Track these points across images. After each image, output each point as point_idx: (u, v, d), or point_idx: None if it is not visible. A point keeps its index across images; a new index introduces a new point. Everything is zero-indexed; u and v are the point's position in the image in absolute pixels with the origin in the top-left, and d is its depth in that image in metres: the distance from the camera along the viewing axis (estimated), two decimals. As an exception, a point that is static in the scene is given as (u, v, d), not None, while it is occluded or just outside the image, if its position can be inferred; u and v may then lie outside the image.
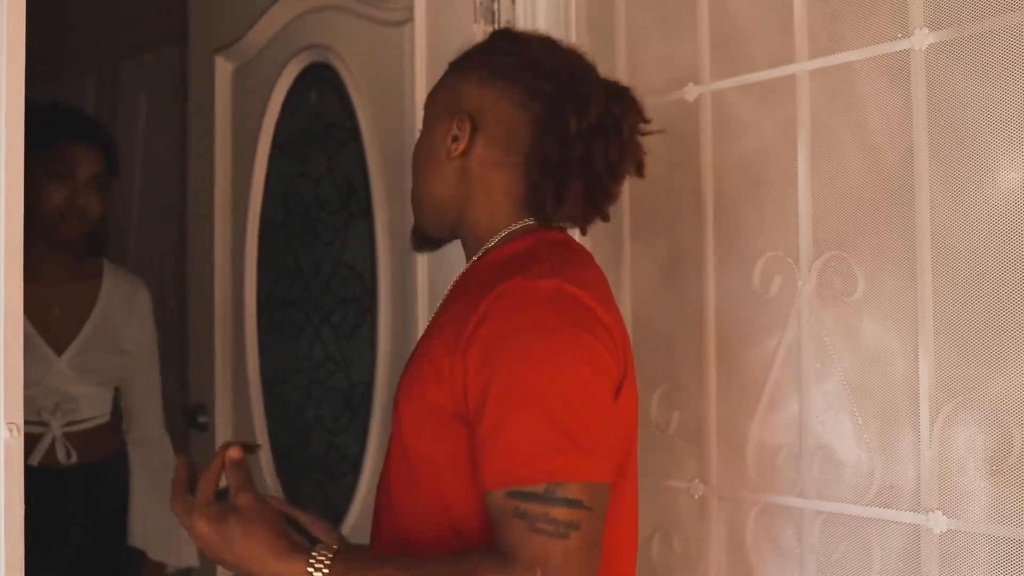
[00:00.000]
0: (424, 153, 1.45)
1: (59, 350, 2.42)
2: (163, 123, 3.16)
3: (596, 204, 1.39)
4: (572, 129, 1.32)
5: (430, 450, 1.31)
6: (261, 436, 2.64)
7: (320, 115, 2.51)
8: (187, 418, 2.80)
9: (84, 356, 2.45)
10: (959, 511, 1.49)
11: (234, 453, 1.34)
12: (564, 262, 1.31)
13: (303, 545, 1.27)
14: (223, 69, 2.69)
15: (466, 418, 1.25)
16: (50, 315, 2.41)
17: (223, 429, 2.73)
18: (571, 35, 2.03)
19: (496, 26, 2.13)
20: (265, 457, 2.61)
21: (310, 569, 1.22)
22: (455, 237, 1.47)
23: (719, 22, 1.80)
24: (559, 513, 1.16)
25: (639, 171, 1.40)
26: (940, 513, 1.50)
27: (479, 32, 2.14)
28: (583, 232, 1.45)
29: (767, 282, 1.73)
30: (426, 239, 1.50)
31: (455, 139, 1.38)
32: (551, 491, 1.16)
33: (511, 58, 1.39)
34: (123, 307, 2.55)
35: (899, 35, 1.54)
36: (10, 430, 1.33)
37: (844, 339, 1.63)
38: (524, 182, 1.37)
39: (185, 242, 2.87)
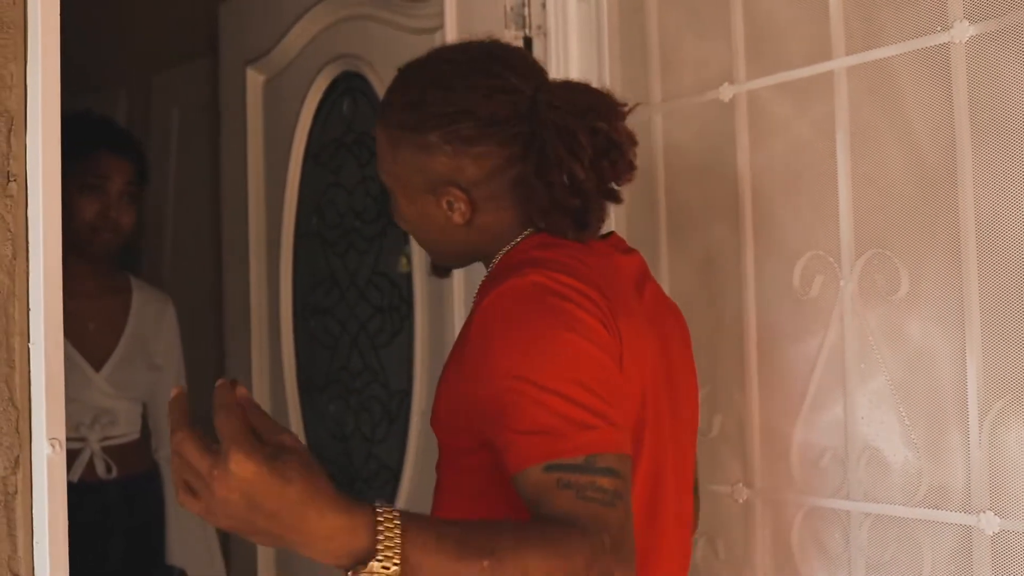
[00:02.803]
0: (419, 221, 1.41)
1: (96, 365, 2.41)
2: (196, 135, 3.17)
3: (612, 198, 1.38)
4: (580, 175, 1.29)
5: (455, 478, 1.32)
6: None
7: (352, 125, 2.51)
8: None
9: (120, 371, 2.45)
10: (1011, 511, 1.46)
11: (244, 391, 1.02)
12: (559, 259, 1.29)
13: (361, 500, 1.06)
14: (254, 81, 2.70)
15: (484, 432, 1.23)
16: (85, 330, 2.40)
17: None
18: (603, 37, 2.02)
19: (527, 32, 2.12)
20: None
21: (379, 527, 0.97)
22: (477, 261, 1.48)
23: (753, 20, 1.78)
24: (605, 482, 1.12)
25: (633, 142, 1.37)
26: (992, 514, 1.47)
27: (510, 38, 2.13)
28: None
29: (808, 282, 1.70)
30: (445, 268, 1.54)
31: (450, 206, 1.35)
32: (593, 461, 1.12)
33: (466, 120, 1.30)
34: (154, 322, 2.56)
35: (938, 28, 1.52)
36: (52, 446, 1.33)
37: (888, 338, 1.60)
38: (529, 210, 1.35)
39: (220, 253, 2.88)
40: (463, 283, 2.17)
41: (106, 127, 2.50)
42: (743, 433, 1.80)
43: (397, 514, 0.99)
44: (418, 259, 2.32)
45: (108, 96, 3.42)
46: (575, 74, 2.01)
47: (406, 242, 2.37)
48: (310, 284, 2.63)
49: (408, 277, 2.36)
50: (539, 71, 1.39)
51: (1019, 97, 1.44)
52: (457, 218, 1.35)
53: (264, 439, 0.95)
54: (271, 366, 2.70)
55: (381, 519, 0.97)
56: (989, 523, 1.48)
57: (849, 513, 1.65)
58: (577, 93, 1.33)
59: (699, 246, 1.88)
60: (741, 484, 1.80)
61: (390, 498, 2.39)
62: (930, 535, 1.55)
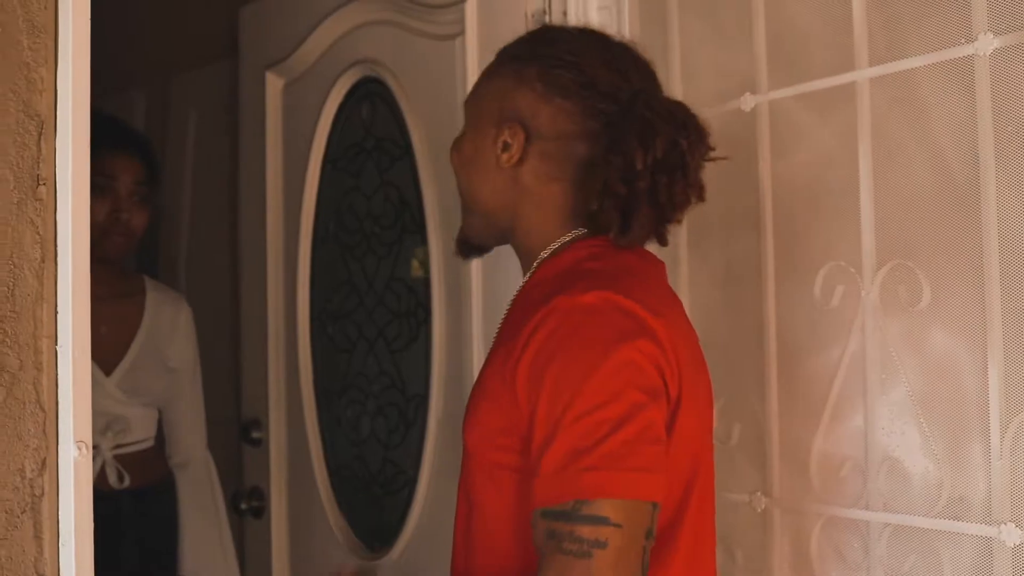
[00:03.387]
0: (471, 155, 1.41)
1: (107, 370, 2.35)
2: (214, 138, 3.18)
3: (659, 230, 1.36)
4: (639, 166, 1.27)
5: (490, 499, 1.30)
6: (315, 451, 2.65)
7: (372, 130, 2.52)
8: (241, 433, 2.81)
9: (132, 376, 2.39)
10: (1033, 523, 1.46)
11: None
12: (614, 273, 1.29)
13: None
14: (274, 85, 2.70)
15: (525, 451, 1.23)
16: (96, 334, 2.33)
17: (277, 444, 2.74)
18: (624, 27, 2.02)
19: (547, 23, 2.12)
20: (320, 472, 2.61)
21: None
22: (502, 243, 1.46)
23: (775, 30, 1.79)
24: (583, 531, 1.12)
25: (700, 198, 1.36)
26: (1013, 525, 1.48)
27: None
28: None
29: (829, 292, 1.71)
30: (471, 246, 1.49)
31: (505, 147, 1.35)
32: (578, 508, 1.13)
33: (569, 72, 1.33)
34: (168, 325, 2.49)
35: (962, 40, 1.52)
36: (79, 448, 1.34)
37: (910, 349, 1.61)
38: (578, 198, 1.34)
39: (237, 257, 2.88)
40: (481, 289, 2.18)
41: (112, 125, 2.41)
42: (762, 442, 1.81)
43: None
44: (436, 264, 2.33)
45: (126, 98, 3.43)
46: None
47: (423, 244, 2.37)
48: (328, 289, 2.63)
49: (426, 282, 2.36)
50: (656, 82, 1.41)
51: (1043, 110, 1.45)
52: (505, 159, 1.35)
53: None
54: (287, 371, 2.71)
55: None
56: (1010, 535, 1.48)
57: (869, 523, 1.66)
58: (679, 109, 1.33)
59: (720, 256, 1.89)
60: (760, 493, 1.80)
61: (406, 503, 2.39)
62: (950, 546, 1.56)
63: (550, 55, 1.35)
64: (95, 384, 2.28)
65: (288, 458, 2.73)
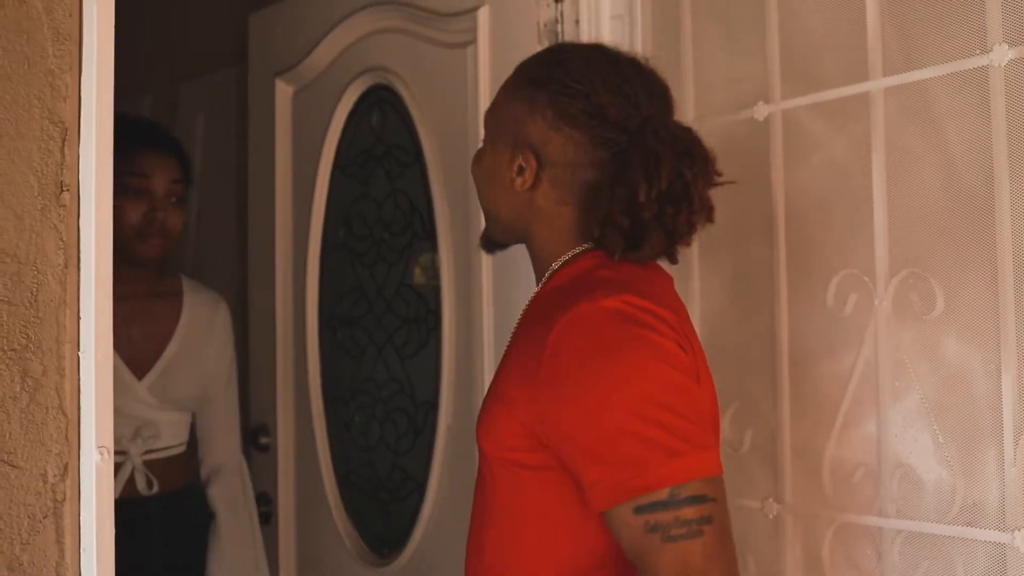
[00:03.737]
0: (489, 172, 1.46)
1: (139, 374, 2.27)
2: (222, 144, 3.19)
3: (669, 251, 1.39)
4: (642, 197, 1.30)
5: (513, 499, 1.33)
6: (324, 457, 2.65)
7: (382, 137, 2.53)
8: (249, 439, 2.82)
9: (165, 380, 2.30)
10: (1046, 530, 1.48)
11: None
12: (625, 279, 1.32)
13: None
14: (283, 92, 2.71)
15: (552, 454, 1.26)
16: (130, 337, 2.27)
17: (285, 450, 2.75)
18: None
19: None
20: (328, 477, 2.62)
21: None
22: (523, 243, 1.50)
23: (789, 40, 1.80)
24: (689, 513, 1.16)
25: (709, 219, 1.38)
26: (1027, 532, 1.49)
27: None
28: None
29: (842, 300, 1.72)
30: (494, 243, 1.54)
31: (520, 171, 1.40)
32: (676, 493, 1.17)
33: (579, 102, 1.36)
34: (205, 327, 2.40)
35: (977, 51, 1.53)
36: (101, 453, 1.35)
37: (923, 357, 1.62)
38: (585, 221, 1.37)
39: (245, 263, 2.89)
40: (491, 296, 2.19)
41: (144, 124, 2.35)
42: (774, 448, 1.81)
43: None
44: (446, 270, 2.34)
45: (134, 102, 3.44)
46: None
47: (433, 250, 2.38)
48: (336, 295, 2.64)
49: (436, 289, 2.37)
50: (668, 101, 1.42)
51: (1058, 120, 1.46)
52: (519, 183, 1.39)
53: None
54: (296, 376, 2.72)
55: None
56: (1024, 541, 1.49)
57: (881, 530, 1.67)
58: (686, 136, 1.35)
59: (732, 263, 1.90)
60: (772, 499, 1.81)
61: (415, 509, 2.40)
62: (963, 553, 1.57)
63: (561, 82, 1.38)
64: (126, 388, 2.24)
65: (296, 464, 2.74)
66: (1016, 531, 1.50)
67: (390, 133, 2.50)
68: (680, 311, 1.35)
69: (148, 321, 2.31)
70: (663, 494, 1.16)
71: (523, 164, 1.39)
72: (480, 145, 1.53)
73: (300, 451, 2.74)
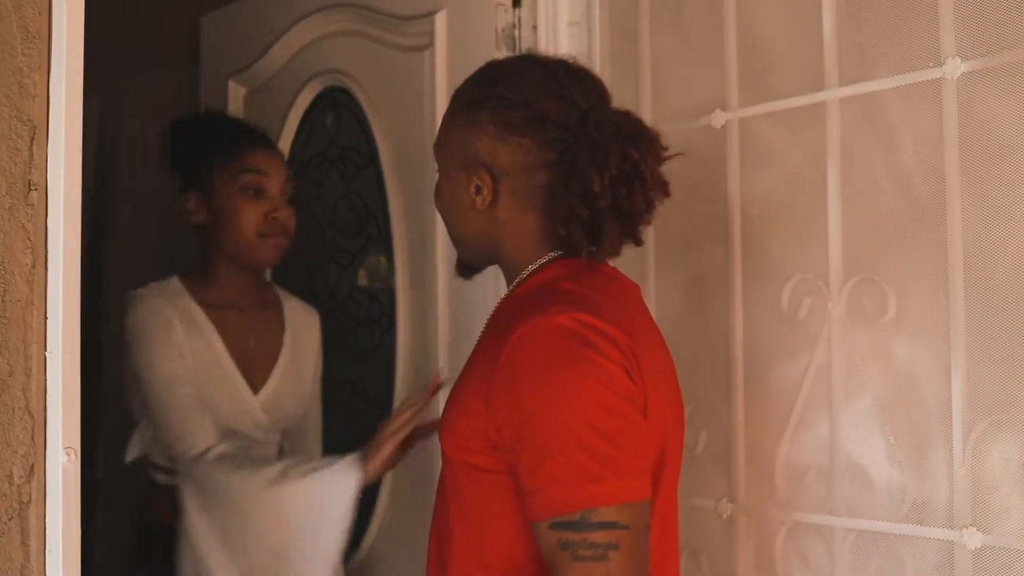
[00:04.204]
0: (450, 202, 1.48)
1: (255, 388, 2.10)
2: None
3: (631, 236, 1.42)
4: (595, 188, 1.33)
5: (472, 501, 1.35)
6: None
7: (336, 139, 2.53)
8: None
9: (276, 395, 2.13)
10: (994, 527, 1.52)
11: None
12: (585, 293, 1.34)
13: None
14: (236, 93, 2.70)
15: (503, 458, 1.29)
16: (246, 348, 2.12)
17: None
18: (594, 61, 2.07)
19: (517, 53, 2.16)
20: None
21: None
22: (495, 263, 1.52)
23: (746, 49, 1.84)
24: (597, 536, 1.20)
25: (665, 194, 1.41)
26: (974, 529, 1.54)
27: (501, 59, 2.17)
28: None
29: (796, 304, 1.76)
30: (469, 268, 1.56)
31: (478, 190, 1.42)
32: (587, 517, 1.20)
33: (518, 111, 1.39)
34: (305, 338, 2.23)
35: (931, 64, 1.58)
36: (67, 454, 1.34)
37: (875, 360, 1.66)
38: (548, 224, 1.40)
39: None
40: (447, 297, 2.20)
41: (243, 123, 2.22)
42: (728, 449, 1.85)
43: None
44: (401, 272, 2.34)
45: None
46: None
47: (387, 253, 2.38)
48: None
49: (390, 291, 2.38)
50: (603, 94, 1.44)
51: (1007, 132, 1.51)
52: (479, 202, 1.42)
53: None
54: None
55: None
56: (972, 538, 1.54)
57: (833, 528, 1.71)
58: (627, 121, 1.38)
59: (687, 267, 1.93)
60: (725, 499, 1.85)
61: (367, 511, 2.40)
62: (913, 550, 1.61)
63: (499, 96, 1.41)
64: (245, 407, 2.05)
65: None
66: (964, 529, 1.55)
67: (345, 135, 2.50)
68: (636, 329, 1.36)
69: (260, 331, 2.16)
70: (576, 515, 1.20)
71: (479, 183, 1.41)
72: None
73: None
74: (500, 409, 1.27)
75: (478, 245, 1.48)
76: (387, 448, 1.82)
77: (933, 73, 1.58)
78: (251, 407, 2.08)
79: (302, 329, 2.23)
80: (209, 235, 2.11)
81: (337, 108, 2.52)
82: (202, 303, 2.10)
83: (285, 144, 2.59)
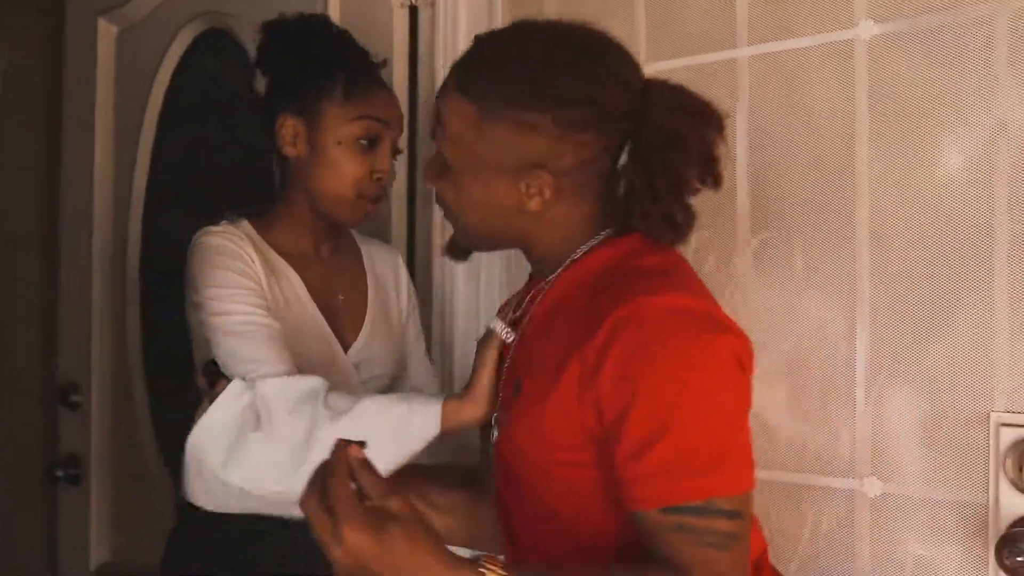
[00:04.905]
0: (482, 199, 1.32)
1: (345, 345, 1.84)
2: (26, 85, 2.99)
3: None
4: (687, 175, 1.27)
5: (563, 496, 1.29)
6: (143, 420, 2.55)
7: (218, 82, 2.43)
8: (59, 396, 2.68)
9: (368, 349, 1.87)
10: (891, 475, 1.59)
11: (358, 452, 1.10)
12: (673, 265, 1.30)
13: (465, 557, 1.13)
14: (106, 32, 2.56)
15: (600, 450, 1.22)
16: (335, 304, 1.86)
17: (99, 410, 2.62)
18: (495, 8, 2.01)
19: (414, 1, 2.11)
20: (152, 447, 2.52)
21: None
22: (511, 248, 1.43)
23: (656, 3, 1.84)
24: (722, 525, 1.15)
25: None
26: (875, 478, 1.59)
27: (397, 7, 2.12)
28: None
29: (702, 260, 1.78)
30: (465, 251, 1.45)
31: (531, 191, 1.29)
32: (712, 504, 1.15)
33: (584, 109, 1.25)
34: (391, 284, 1.98)
35: (843, 25, 1.62)
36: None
37: (782, 315, 1.70)
38: (606, 209, 1.32)
39: (58, 211, 2.72)
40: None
41: (366, 52, 1.85)
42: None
43: (502, 565, 1.11)
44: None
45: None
46: (464, 47, 2.00)
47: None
48: (166, 245, 2.52)
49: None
50: (637, 64, 1.34)
51: (915, 93, 1.56)
52: (534, 205, 1.29)
53: (372, 502, 1.08)
54: (114, 330, 2.59)
55: (485, 571, 1.09)
56: (872, 487, 1.60)
57: (735, 479, 1.74)
58: (684, 95, 1.29)
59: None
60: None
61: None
62: (815, 499, 1.66)
63: (557, 95, 1.26)
64: (338, 365, 1.78)
65: (111, 425, 2.62)
66: (864, 478, 1.60)
67: (229, 78, 2.40)
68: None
69: (346, 285, 1.90)
70: (699, 502, 1.15)
71: (538, 185, 1.28)
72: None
73: (117, 413, 2.62)
74: (607, 396, 1.19)
75: (498, 237, 1.37)
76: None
77: (846, 34, 1.61)
78: (345, 367, 1.81)
79: (385, 274, 1.98)
80: (299, 172, 1.79)
81: (219, 51, 2.42)
82: (281, 252, 1.80)
83: (160, 87, 2.48)
